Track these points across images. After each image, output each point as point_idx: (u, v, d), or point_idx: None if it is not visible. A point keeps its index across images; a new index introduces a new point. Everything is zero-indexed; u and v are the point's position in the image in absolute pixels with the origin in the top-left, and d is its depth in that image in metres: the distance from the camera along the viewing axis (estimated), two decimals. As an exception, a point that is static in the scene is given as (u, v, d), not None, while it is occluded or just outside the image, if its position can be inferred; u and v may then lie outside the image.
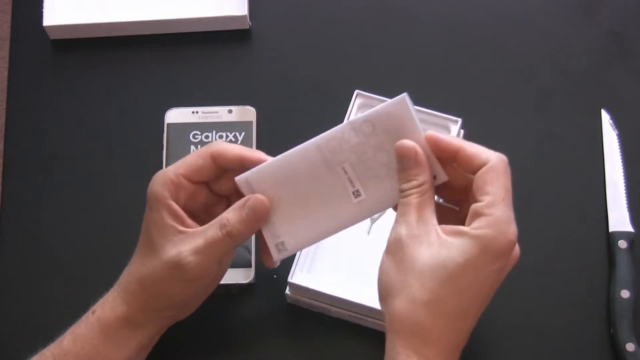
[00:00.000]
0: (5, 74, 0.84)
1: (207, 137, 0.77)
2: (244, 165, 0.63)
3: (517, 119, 0.79)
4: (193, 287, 0.63)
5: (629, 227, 0.73)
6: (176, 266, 0.61)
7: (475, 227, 0.57)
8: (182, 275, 0.61)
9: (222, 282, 0.67)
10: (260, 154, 0.64)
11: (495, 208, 0.58)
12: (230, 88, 0.81)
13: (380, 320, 0.69)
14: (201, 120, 0.77)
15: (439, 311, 0.57)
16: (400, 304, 0.57)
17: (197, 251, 0.61)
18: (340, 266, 0.71)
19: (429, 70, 0.82)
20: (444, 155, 0.60)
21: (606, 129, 0.78)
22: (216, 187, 0.65)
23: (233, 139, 0.76)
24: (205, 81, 0.82)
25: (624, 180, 0.76)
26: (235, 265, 0.71)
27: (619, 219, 0.74)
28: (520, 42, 0.82)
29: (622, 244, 0.72)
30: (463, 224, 0.58)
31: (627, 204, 0.75)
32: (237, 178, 0.63)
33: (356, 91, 0.76)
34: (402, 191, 0.60)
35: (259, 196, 0.62)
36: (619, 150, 0.77)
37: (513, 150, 0.78)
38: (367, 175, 0.61)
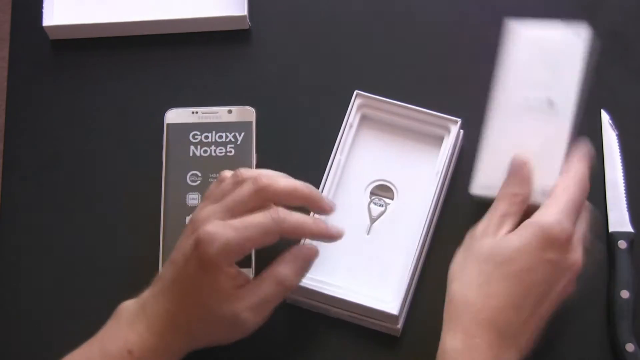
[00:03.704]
0: (5, 74, 0.84)
1: (206, 137, 0.77)
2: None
3: (517, 119, 0.79)
4: (243, 335, 0.65)
5: (628, 228, 0.73)
6: (233, 323, 0.63)
7: (535, 216, 0.62)
8: (237, 329, 0.64)
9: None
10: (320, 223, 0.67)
11: (556, 203, 0.63)
12: (230, 88, 0.81)
13: (381, 320, 0.69)
14: (201, 121, 0.77)
15: (489, 292, 0.60)
16: (456, 286, 0.62)
17: (253, 308, 0.63)
18: (340, 266, 0.71)
19: (429, 71, 0.81)
20: None
21: (606, 129, 0.78)
22: None
23: (233, 140, 0.76)
24: (205, 81, 0.82)
25: (623, 181, 0.76)
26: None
27: (618, 219, 0.74)
28: (520, 42, 0.82)
29: (622, 244, 0.72)
30: None
31: (627, 204, 0.75)
32: None
33: (356, 91, 0.76)
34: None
35: (310, 246, 0.66)
36: (618, 150, 0.77)
37: (513, 151, 0.78)
38: None
